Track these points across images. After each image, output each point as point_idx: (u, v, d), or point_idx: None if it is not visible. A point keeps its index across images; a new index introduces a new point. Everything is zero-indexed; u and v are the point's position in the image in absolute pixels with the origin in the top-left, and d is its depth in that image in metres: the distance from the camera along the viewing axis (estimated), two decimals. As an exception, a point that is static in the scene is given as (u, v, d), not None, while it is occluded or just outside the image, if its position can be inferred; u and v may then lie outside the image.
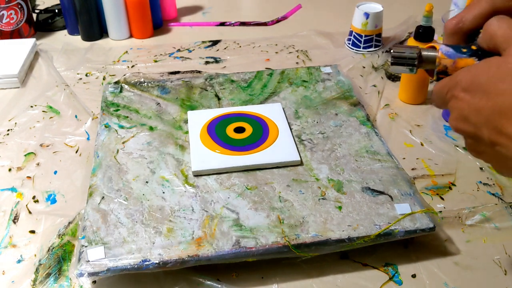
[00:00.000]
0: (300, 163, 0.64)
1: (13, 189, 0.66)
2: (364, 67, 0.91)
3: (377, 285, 0.54)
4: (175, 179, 0.62)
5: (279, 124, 0.70)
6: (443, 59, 0.45)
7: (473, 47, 0.45)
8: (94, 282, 0.54)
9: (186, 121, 0.72)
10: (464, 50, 0.45)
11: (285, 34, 1.06)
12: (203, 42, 1.03)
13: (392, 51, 0.48)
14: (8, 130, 0.78)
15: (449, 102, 0.45)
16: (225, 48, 1.01)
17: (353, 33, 0.97)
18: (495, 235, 0.59)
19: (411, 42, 0.76)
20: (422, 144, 0.73)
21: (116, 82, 0.81)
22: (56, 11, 1.13)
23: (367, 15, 0.93)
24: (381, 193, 0.60)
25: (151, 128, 0.71)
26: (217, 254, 0.53)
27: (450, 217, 0.61)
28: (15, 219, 0.62)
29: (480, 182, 0.66)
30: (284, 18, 1.14)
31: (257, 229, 0.55)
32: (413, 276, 0.55)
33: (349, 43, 0.99)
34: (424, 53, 0.47)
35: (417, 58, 0.47)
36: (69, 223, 0.61)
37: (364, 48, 0.96)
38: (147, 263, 0.52)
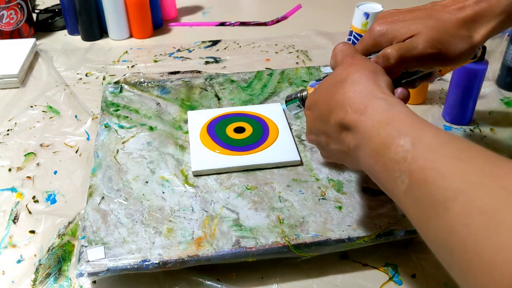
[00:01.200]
0: (300, 163, 0.64)
1: (13, 189, 0.66)
2: (364, 67, 0.91)
3: (377, 285, 0.54)
4: (175, 179, 0.62)
5: (279, 124, 0.70)
6: (310, 90, 0.57)
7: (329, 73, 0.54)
8: (94, 282, 0.54)
9: (186, 121, 0.72)
10: (321, 78, 0.55)
11: (285, 34, 1.06)
12: (203, 42, 1.03)
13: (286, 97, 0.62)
14: (8, 130, 0.78)
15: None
16: (225, 48, 1.01)
17: (353, 33, 0.96)
18: (495, 235, 0.59)
19: None
20: (422, 144, 0.73)
21: (116, 82, 0.81)
22: (56, 11, 1.13)
23: (367, 15, 0.93)
24: (381, 193, 0.59)
25: (151, 128, 0.71)
26: (217, 254, 0.53)
27: (450, 217, 0.61)
28: (15, 219, 0.62)
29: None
30: (284, 18, 1.14)
31: (257, 229, 0.55)
32: (413, 276, 0.55)
33: (349, 43, 0.98)
34: (304, 93, 0.59)
35: (299, 97, 0.59)
36: (69, 223, 0.61)
37: (364, 48, 0.96)
38: (147, 263, 0.52)
